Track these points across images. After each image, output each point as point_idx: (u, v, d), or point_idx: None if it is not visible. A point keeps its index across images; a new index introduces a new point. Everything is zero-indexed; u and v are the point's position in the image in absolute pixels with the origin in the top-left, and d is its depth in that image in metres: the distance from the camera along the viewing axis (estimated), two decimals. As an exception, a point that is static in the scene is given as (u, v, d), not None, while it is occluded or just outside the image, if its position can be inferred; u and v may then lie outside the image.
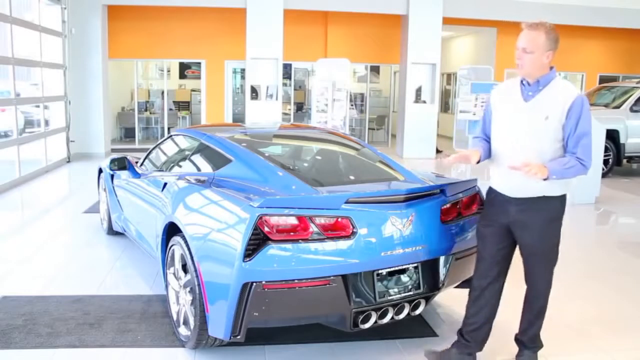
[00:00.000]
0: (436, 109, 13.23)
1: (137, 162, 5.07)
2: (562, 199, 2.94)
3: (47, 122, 10.46)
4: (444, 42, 13.97)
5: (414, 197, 3.22)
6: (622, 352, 3.47)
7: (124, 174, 4.99)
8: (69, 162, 10.89)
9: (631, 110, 10.36)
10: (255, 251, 2.79)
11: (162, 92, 14.31)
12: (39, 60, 9.82)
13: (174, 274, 3.50)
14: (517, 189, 2.92)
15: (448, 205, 3.37)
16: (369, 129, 15.53)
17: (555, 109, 2.79)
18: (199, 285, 3.04)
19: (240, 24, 12.16)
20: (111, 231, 5.65)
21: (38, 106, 10.51)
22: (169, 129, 13.68)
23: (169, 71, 14.98)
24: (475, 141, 3.21)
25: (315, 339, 3.45)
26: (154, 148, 5.07)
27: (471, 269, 3.30)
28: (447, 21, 12.94)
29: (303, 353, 3.34)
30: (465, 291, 3.24)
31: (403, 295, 3.17)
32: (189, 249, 3.17)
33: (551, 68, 2.86)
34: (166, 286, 3.68)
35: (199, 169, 4.02)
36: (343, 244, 2.93)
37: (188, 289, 3.24)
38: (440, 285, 3.31)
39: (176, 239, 3.39)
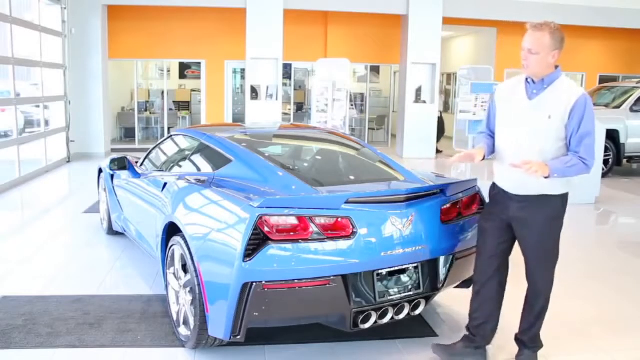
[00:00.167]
0: (436, 108, 13.23)
1: (137, 162, 5.07)
2: (563, 197, 2.94)
3: (47, 122, 10.45)
4: (444, 42, 13.97)
5: (414, 197, 3.23)
6: (622, 352, 3.47)
7: (124, 174, 4.99)
8: (69, 162, 10.89)
9: (631, 110, 10.36)
10: (255, 251, 2.79)
11: (162, 92, 14.30)
12: (39, 60, 9.81)
13: (174, 274, 3.50)
14: (517, 186, 2.93)
15: (448, 205, 3.37)
16: (369, 129, 15.53)
17: (558, 108, 2.79)
18: (199, 285, 3.04)
19: (240, 24, 12.16)
20: (111, 231, 5.65)
21: (38, 106, 10.50)
22: (169, 129, 13.68)
23: (169, 71, 14.97)
24: (479, 136, 3.22)
25: (315, 339, 3.45)
26: (154, 148, 5.07)
27: (471, 269, 3.31)
28: (447, 21, 12.93)
29: (303, 353, 3.34)
30: (465, 291, 3.24)
31: (403, 295, 3.17)
32: (189, 249, 3.17)
33: (557, 67, 2.85)
34: (166, 286, 3.68)
35: (199, 169, 4.02)
36: (343, 244, 2.93)
37: (188, 289, 3.24)
38: (440, 285, 3.31)
39: (176, 239, 3.39)
